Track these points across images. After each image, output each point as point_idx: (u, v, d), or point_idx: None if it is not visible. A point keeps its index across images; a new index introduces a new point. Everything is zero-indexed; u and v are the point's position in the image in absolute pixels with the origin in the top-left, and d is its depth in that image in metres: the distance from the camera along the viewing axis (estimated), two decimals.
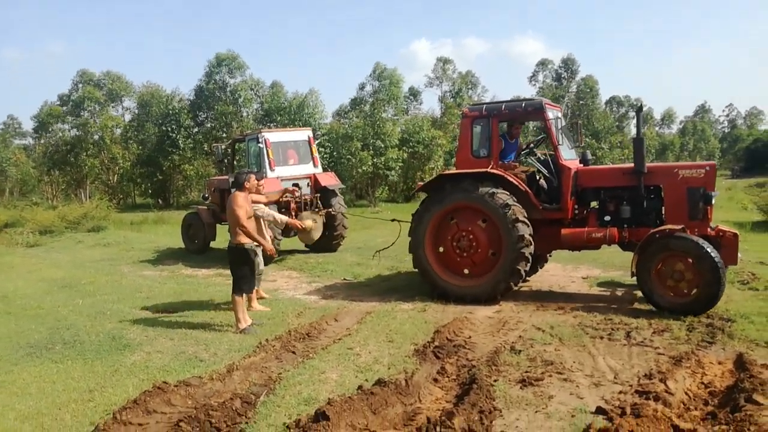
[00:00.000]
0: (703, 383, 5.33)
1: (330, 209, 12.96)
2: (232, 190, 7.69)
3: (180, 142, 34.26)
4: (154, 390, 5.07)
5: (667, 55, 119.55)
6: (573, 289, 9.29)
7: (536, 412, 4.67)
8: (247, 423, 4.56)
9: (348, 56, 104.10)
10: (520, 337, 6.73)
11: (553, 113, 8.60)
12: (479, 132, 8.83)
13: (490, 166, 8.52)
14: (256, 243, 7.54)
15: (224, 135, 35.85)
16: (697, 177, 7.85)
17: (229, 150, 14.38)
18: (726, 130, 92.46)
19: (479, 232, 8.44)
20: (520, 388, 5.20)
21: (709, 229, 7.78)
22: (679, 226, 7.48)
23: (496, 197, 8.17)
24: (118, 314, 8.29)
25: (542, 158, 8.88)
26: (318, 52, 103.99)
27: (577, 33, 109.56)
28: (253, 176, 7.77)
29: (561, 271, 10.69)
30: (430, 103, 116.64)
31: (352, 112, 39.39)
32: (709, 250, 7.11)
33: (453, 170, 8.77)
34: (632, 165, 8.18)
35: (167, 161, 35.08)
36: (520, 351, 6.19)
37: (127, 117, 39.93)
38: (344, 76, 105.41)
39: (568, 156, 8.66)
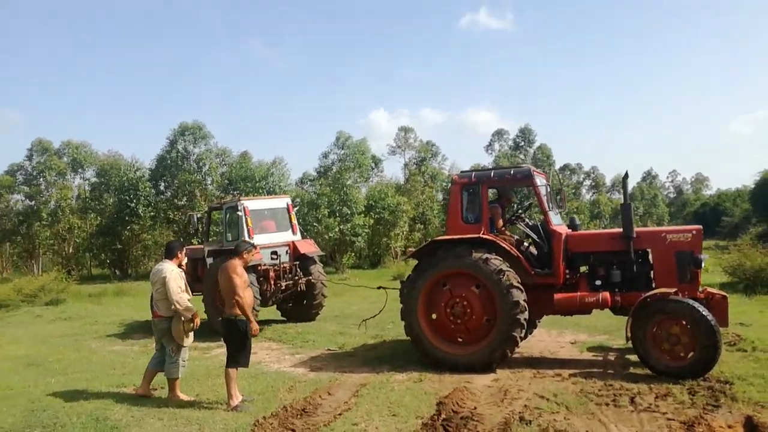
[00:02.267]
0: None
1: (310, 277, 12.73)
2: (229, 259, 7.43)
3: (140, 210, 33.56)
4: None
5: (617, 125, 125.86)
6: (565, 355, 9.25)
7: None
8: None
9: (308, 126, 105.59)
10: (525, 406, 6.58)
11: (540, 180, 8.80)
12: (469, 198, 8.92)
13: (482, 231, 8.57)
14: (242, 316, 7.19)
15: (187, 204, 35.37)
16: (685, 241, 8.06)
17: (205, 218, 14.13)
18: (672, 195, 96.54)
19: (473, 299, 8.37)
20: None
21: (698, 292, 7.92)
22: (673, 290, 7.61)
23: (490, 263, 8.18)
24: (95, 394, 7.76)
25: (531, 224, 9.01)
26: (278, 121, 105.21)
27: (529, 105, 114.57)
28: (255, 250, 7.58)
29: (547, 337, 10.65)
30: (391, 171, 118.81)
31: (318, 179, 39.56)
32: (704, 312, 7.22)
33: (444, 236, 8.77)
34: (621, 230, 8.37)
35: (126, 231, 34.21)
36: (530, 422, 6.03)
37: (86, 187, 39.02)
38: (306, 146, 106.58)
39: (556, 221, 8.81)
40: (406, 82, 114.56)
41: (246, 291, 7.12)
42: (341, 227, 33.05)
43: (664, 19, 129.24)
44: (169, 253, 7.68)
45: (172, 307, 7.33)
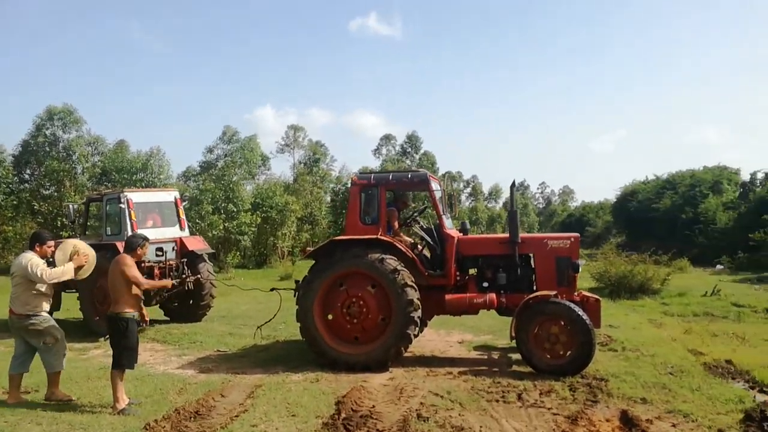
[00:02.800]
0: None
1: (198, 276, 12.26)
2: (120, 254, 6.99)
3: (0, 200, 30.48)
4: None
5: (493, 136, 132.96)
6: (454, 354, 9.64)
7: None
8: None
9: (192, 119, 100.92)
10: (422, 404, 6.78)
11: (435, 185, 9.11)
12: (367, 200, 9.04)
13: (379, 232, 8.73)
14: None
15: (55, 194, 32.63)
16: (564, 247, 8.71)
17: (82, 210, 13.14)
18: (541, 206, 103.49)
19: (369, 298, 8.50)
20: None
21: (575, 295, 8.59)
22: (553, 292, 8.19)
23: (386, 263, 8.35)
24: None
25: (425, 227, 9.31)
26: (157, 112, 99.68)
27: (414, 111, 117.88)
28: (147, 245, 7.17)
29: (437, 336, 11.04)
30: (279, 169, 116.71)
31: (201, 174, 38.05)
32: (581, 313, 7.84)
33: (342, 237, 8.83)
34: (507, 235, 8.88)
35: None
36: (427, 418, 6.23)
37: None
38: (189, 139, 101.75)
39: (449, 225, 9.17)
40: (294, 80, 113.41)
41: (136, 289, 6.77)
42: (226, 224, 32.07)
43: (537, 35, 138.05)
44: (36, 242, 7.00)
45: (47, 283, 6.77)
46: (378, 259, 8.35)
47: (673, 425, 6.00)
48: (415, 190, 11.01)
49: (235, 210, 32.82)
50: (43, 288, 6.88)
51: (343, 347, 8.54)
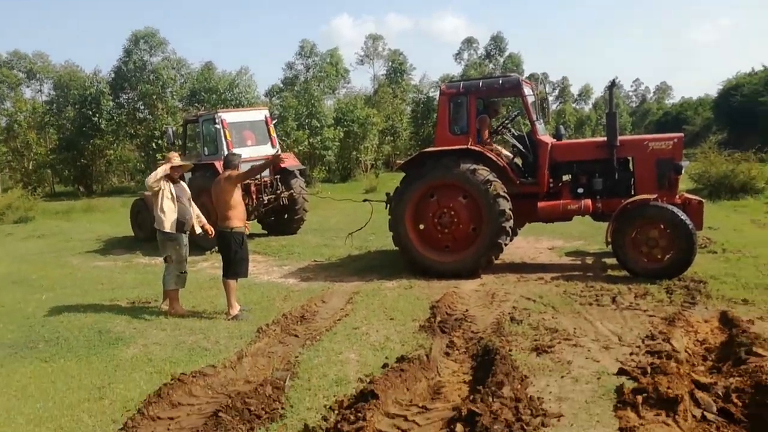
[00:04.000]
0: (698, 341, 5.71)
1: (291, 191, 12.73)
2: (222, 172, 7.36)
3: (102, 125, 32.36)
4: (174, 382, 4.89)
5: (581, 35, 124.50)
6: (544, 260, 9.65)
7: (562, 377, 4.85)
8: (283, 408, 4.48)
9: (266, 35, 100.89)
10: (514, 307, 6.94)
11: (527, 89, 8.80)
12: (456, 109, 8.90)
13: (469, 142, 8.63)
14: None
15: (149, 117, 34.20)
16: (666, 149, 8.29)
17: (180, 132, 13.79)
18: (635, 105, 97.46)
19: (460, 208, 8.56)
20: (536, 356, 5.37)
21: (676, 198, 8.25)
22: (653, 196, 7.90)
23: (477, 173, 8.31)
24: (90, 308, 7.84)
25: (517, 134, 9.10)
26: (233, 30, 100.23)
27: (498, 11, 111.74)
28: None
29: (525, 243, 11.03)
30: (358, 82, 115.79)
31: (283, 91, 38.50)
32: (683, 217, 7.56)
33: (432, 148, 8.81)
34: (605, 139, 8.53)
35: (89, 146, 33.11)
36: (520, 321, 6.38)
37: (42, 100, 37.25)
38: (265, 56, 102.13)
39: (542, 131, 8.91)
40: None
41: (239, 206, 7.17)
42: (310, 140, 32.63)
43: None
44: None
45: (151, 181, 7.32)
46: (469, 170, 8.32)
47: None
48: (506, 96, 10.70)
49: (318, 125, 33.21)
50: (164, 205, 7.35)
51: (434, 255, 8.74)
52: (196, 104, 33.06)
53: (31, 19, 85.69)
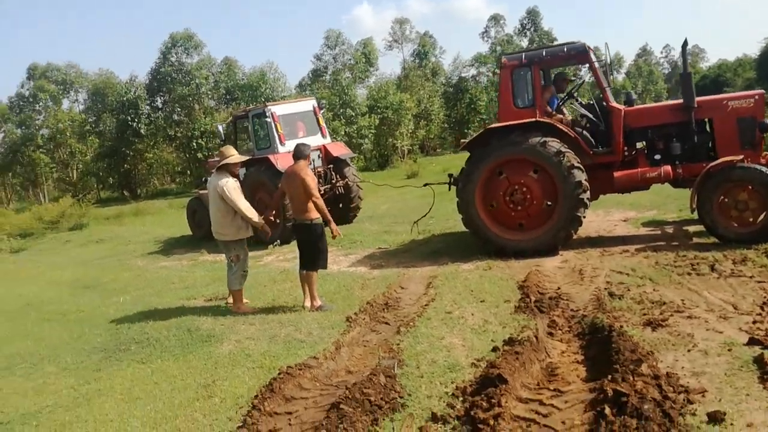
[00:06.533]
0: None
1: (346, 180, 12.60)
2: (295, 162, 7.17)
3: (141, 129, 32.81)
4: (283, 376, 4.79)
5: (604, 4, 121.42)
6: (622, 232, 9.31)
7: (689, 351, 4.59)
8: (401, 398, 4.33)
9: (289, 27, 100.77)
10: (608, 282, 6.67)
11: (594, 56, 8.44)
12: (519, 81, 8.60)
13: (537, 115, 8.33)
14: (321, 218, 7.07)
15: (185, 118, 34.54)
16: (747, 107, 7.87)
17: (230, 128, 13.76)
18: (667, 71, 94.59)
19: (532, 184, 8.29)
20: (652, 330, 5.11)
21: (761, 158, 7.83)
22: (739, 157, 7.51)
23: (548, 146, 8.02)
24: (171, 308, 7.83)
25: (586, 103, 8.76)
26: (255, 23, 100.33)
27: None
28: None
29: (596, 217, 10.65)
30: (386, 68, 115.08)
31: (314, 83, 38.44)
32: None
33: (497, 124, 8.53)
34: (680, 101, 8.14)
35: (130, 151, 33.64)
36: (621, 296, 6.11)
37: (79, 108, 37.94)
38: (290, 51, 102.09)
39: (612, 98, 8.56)
40: None
41: (319, 195, 7.02)
42: (346, 129, 32.51)
43: None
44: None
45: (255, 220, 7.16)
46: (539, 142, 8.03)
47: None
48: (572, 65, 10.33)
49: (353, 114, 33.09)
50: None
51: (509, 234, 8.50)
52: (230, 102, 33.26)
53: (50, 30, 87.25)
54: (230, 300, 7.49)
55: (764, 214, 7.35)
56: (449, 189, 9.49)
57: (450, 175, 9.42)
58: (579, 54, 8.37)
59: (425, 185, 10.29)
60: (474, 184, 8.50)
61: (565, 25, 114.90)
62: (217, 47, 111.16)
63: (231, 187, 7.14)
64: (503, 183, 8.45)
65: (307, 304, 7.06)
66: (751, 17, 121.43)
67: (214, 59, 36.41)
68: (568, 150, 8.05)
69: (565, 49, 8.44)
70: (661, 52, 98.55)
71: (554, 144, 8.04)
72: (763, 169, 7.33)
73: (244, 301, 7.39)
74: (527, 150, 8.13)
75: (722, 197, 7.55)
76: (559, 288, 6.71)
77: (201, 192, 14.04)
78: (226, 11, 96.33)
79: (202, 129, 31.65)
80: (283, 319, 6.66)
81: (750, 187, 7.39)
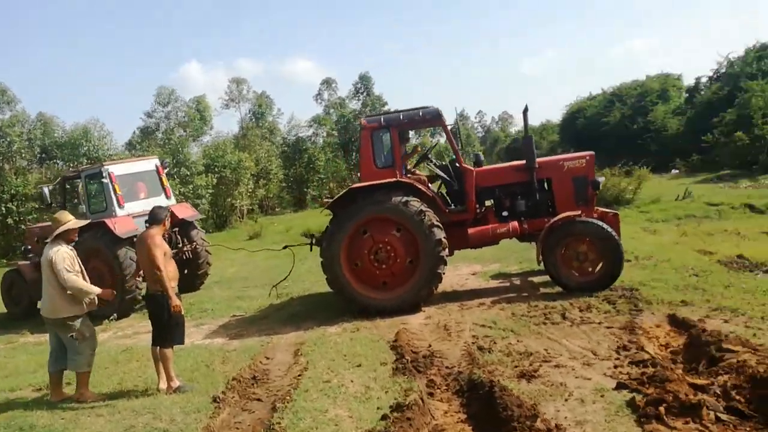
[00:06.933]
0: (662, 345, 5.97)
1: (194, 243, 11.83)
2: (146, 227, 6.54)
3: None
4: None
5: (424, 72, 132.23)
6: (473, 285, 9.74)
7: (566, 400, 4.79)
8: None
9: (115, 84, 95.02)
10: (474, 336, 6.86)
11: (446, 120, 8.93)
12: (379, 142, 8.81)
13: (396, 175, 8.55)
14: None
15: None
16: (580, 167, 8.77)
17: (58, 190, 12.32)
18: (481, 134, 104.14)
19: (395, 242, 8.40)
20: (527, 382, 5.28)
21: (594, 213, 8.72)
22: (578, 212, 8.28)
23: (410, 205, 8.23)
24: None
25: (440, 164, 9.18)
26: (78, 79, 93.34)
27: (346, 53, 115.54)
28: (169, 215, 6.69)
29: (446, 272, 11.02)
30: (222, 126, 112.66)
31: (144, 141, 36.33)
32: (609, 230, 7.99)
33: (361, 183, 8.60)
34: (523, 162, 8.85)
35: None
36: (490, 349, 6.30)
37: None
38: (117, 105, 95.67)
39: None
40: (212, 31, 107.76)
41: (169, 263, 6.39)
42: (182, 189, 30.94)
43: None
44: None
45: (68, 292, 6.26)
46: (401, 201, 8.22)
47: (725, 321, 6.26)
48: (427, 127, 10.87)
49: (188, 173, 31.67)
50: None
51: (373, 293, 8.48)
52: (47, 162, 30.22)
53: None
54: (56, 389, 6.45)
55: (601, 264, 8.13)
56: (311, 249, 9.33)
57: (311, 236, 9.27)
58: (433, 118, 8.81)
59: (284, 247, 9.99)
60: (339, 243, 8.42)
61: (393, 90, 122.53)
62: (35, 103, 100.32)
63: (60, 257, 6.25)
64: (368, 242, 8.46)
65: (163, 385, 6.30)
66: (552, 88, 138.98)
67: (29, 115, 32.99)
68: (429, 209, 8.32)
69: (421, 113, 8.83)
70: (475, 117, 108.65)
71: (415, 203, 8.26)
72: (600, 223, 8.15)
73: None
74: (390, 209, 8.27)
75: (564, 249, 8.23)
76: (430, 345, 6.75)
77: (21, 263, 12.31)
78: (47, 66, 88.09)
79: (12, 191, 28.17)
80: (136, 406, 5.83)
81: (588, 239, 8.16)
